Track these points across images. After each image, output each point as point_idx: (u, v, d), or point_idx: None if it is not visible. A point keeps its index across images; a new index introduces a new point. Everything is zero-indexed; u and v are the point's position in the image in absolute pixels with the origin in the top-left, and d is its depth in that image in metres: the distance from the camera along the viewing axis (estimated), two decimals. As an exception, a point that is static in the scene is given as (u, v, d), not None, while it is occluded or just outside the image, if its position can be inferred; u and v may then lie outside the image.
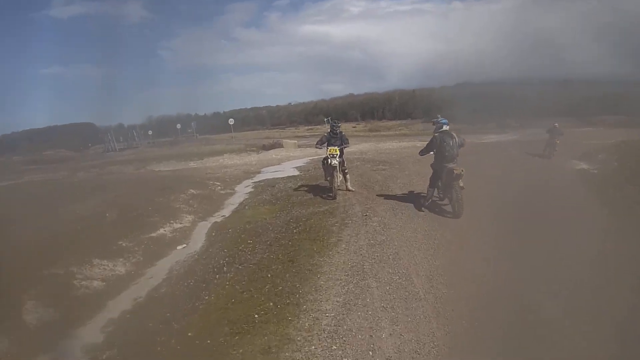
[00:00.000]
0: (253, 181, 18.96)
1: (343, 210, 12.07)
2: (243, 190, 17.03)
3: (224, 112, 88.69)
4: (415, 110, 67.28)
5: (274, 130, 73.12)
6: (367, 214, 11.57)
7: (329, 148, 13.36)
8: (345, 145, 13.87)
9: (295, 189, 15.55)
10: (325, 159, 13.50)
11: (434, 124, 11.55)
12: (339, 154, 13.35)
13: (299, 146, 36.27)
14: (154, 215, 12.87)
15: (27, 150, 69.12)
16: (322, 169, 14.74)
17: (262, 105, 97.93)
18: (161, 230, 11.93)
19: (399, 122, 65.95)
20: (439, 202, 12.01)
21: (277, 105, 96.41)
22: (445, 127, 11.27)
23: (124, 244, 10.70)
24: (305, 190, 15.10)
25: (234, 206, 14.57)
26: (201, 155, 33.37)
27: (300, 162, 24.82)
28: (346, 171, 14.19)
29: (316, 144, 14.03)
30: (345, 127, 57.76)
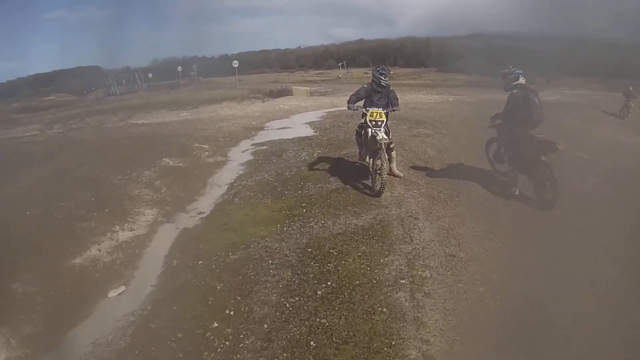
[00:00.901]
0: (253, 143, 14.32)
1: (401, 230, 7.29)
2: (238, 159, 12.41)
3: (231, 54, 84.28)
4: (429, 59, 64.44)
5: (283, 73, 68.04)
6: (448, 242, 6.98)
7: (371, 111, 8.63)
8: (394, 108, 9.01)
9: (312, 165, 10.51)
10: (363, 127, 8.93)
11: (503, 77, 8.84)
12: (385, 120, 8.66)
13: (311, 94, 30.81)
14: (91, 215, 8.36)
15: (27, 96, 64.24)
16: (354, 141, 10.09)
17: (270, 49, 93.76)
18: (93, 251, 7.31)
19: (412, 69, 62.66)
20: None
21: (286, 49, 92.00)
22: (521, 80, 8.58)
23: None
24: (327, 171, 10.02)
25: (220, 191, 10.00)
26: (197, 103, 28.57)
27: (314, 116, 19.64)
28: (392, 146, 9.10)
29: (349, 101, 8.97)
30: (356, 73, 54.11)
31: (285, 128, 16.81)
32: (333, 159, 10.88)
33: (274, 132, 16.00)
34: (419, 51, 69.52)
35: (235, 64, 51.90)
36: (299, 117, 19.79)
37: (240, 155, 12.89)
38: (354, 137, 9.91)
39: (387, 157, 8.42)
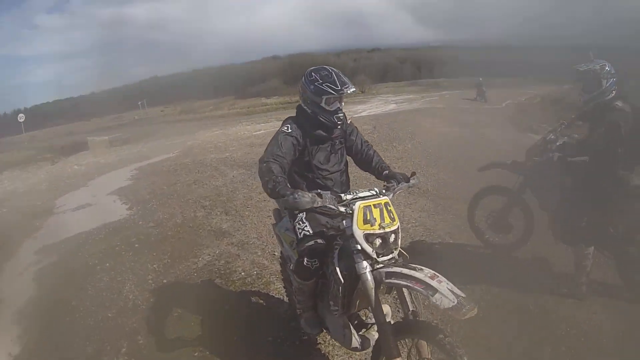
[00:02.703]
0: (35, 250, 8.52)
1: None
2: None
3: (24, 108, 77.60)
4: (224, 89, 66.18)
5: (79, 123, 61.59)
6: None
7: (359, 205, 3.33)
8: (412, 183, 3.90)
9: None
10: (305, 252, 3.83)
11: (584, 77, 5.21)
12: (397, 225, 3.43)
13: (112, 143, 25.57)
14: None
15: None
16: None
17: (64, 98, 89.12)
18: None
19: (211, 100, 60.77)
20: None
21: (80, 96, 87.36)
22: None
23: None
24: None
25: None
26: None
27: (122, 177, 14.65)
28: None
29: (275, 182, 3.50)
30: (152, 112, 49.83)
31: (84, 207, 11.38)
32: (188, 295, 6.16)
33: (67, 220, 10.47)
34: (212, 81, 69.19)
35: (21, 117, 42.97)
36: (102, 183, 14.40)
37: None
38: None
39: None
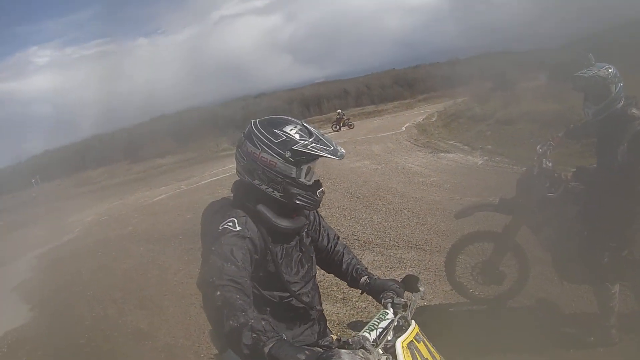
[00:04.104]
0: None
1: None
2: None
3: None
4: (117, 154, 62.27)
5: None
6: None
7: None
8: (414, 299, 2.62)
9: None
10: None
11: (586, 84, 4.43)
12: None
13: (7, 228, 23.44)
14: None
15: None
16: None
17: None
18: None
19: (104, 168, 57.79)
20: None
21: None
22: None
23: None
24: None
25: None
26: None
27: (23, 271, 12.41)
28: None
29: (241, 334, 1.92)
30: (49, 187, 47.37)
31: None
32: None
33: None
34: (106, 147, 66.77)
35: None
36: (0, 278, 12.43)
37: None
38: None
39: None
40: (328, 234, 2.96)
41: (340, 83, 73.94)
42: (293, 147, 2.38)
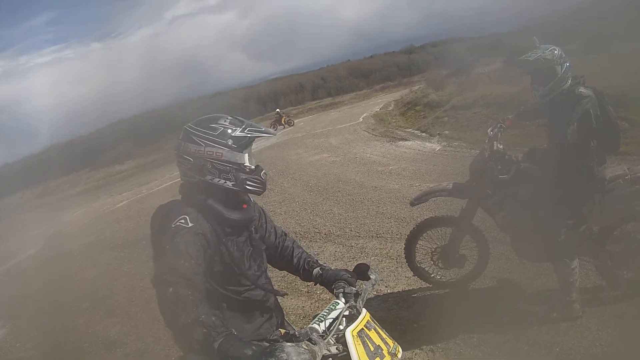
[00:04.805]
0: None
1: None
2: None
3: None
4: (76, 163, 61.32)
5: None
6: None
7: None
8: (369, 283, 2.75)
9: None
10: None
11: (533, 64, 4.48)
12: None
13: None
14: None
15: None
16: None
17: None
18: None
19: (65, 178, 55.83)
20: None
21: None
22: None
23: None
24: None
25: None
26: None
27: None
28: None
29: (193, 330, 2.01)
30: (11, 200, 46.13)
31: None
32: None
33: None
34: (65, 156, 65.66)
35: None
36: None
37: None
38: None
39: None
40: (275, 230, 3.02)
41: (296, 77, 73.55)
42: (233, 135, 2.51)
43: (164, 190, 20.05)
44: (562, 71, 4.38)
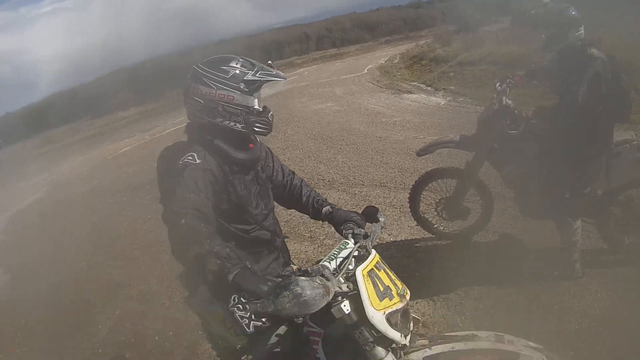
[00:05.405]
0: None
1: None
2: None
3: None
4: (78, 110, 58.10)
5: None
6: None
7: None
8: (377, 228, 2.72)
9: None
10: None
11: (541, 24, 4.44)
12: None
13: None
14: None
15: None
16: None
17: None
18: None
19: (67, 125, 53.54)
20: None
21: None
22: (582, 31, 4.27)
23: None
24: None
25: None
26: None
27: None
28: None
29: (207, 260, 1.96)
30: (14, 150, 45.79)
31: None
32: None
33: None
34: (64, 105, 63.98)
35: None
36: None
37: None
38: None
39: None
40: (282, 169, 3.04)
41: (300, 27, 72.45)
42: (245, 79, 2.53)
43: (167, 135, 19.88)
44: (572, 17, 4.25)
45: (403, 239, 6.03)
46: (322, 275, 1.94)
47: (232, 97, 2.53)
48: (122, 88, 55.38)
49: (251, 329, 2.36)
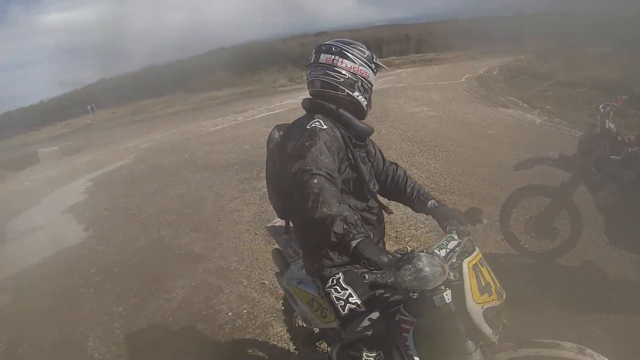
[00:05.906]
0: None
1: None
2: None
3: None
4: (173, 85, 60.18)
5: (30, 134, 58.17)
6: None
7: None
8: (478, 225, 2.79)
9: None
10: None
11: None
12: None
13: (63, 153, 22.78)
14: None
15: None
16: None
17: (14, 109, 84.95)
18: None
19: (161, 98, 56.36)
20: None
21: (30, 105, 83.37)
22: None
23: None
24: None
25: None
26: None
27: (76, 193, 12.70)
28: None
29: (333, 214, 2.07)
30: (104, 115, 47.49)
31: (36, 231, 9.93)
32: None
33: (18, 249, 9.10)
34: (162, 78, 65.97)
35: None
36: (55, 199, 12.73)
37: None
38: None
39: None
40: (383, 158, 3.08)
41: (402, 27, 71.94)
42: (374, 61, 2.75)
43: (261, 119, 20.20)
44: None
45: (486, 252, 5.93)
46: (433, 256, 2.00)
47: (367, 74, 2.72)
48: (219, 68, 55.93)
49: (346, 311, 2.53)
